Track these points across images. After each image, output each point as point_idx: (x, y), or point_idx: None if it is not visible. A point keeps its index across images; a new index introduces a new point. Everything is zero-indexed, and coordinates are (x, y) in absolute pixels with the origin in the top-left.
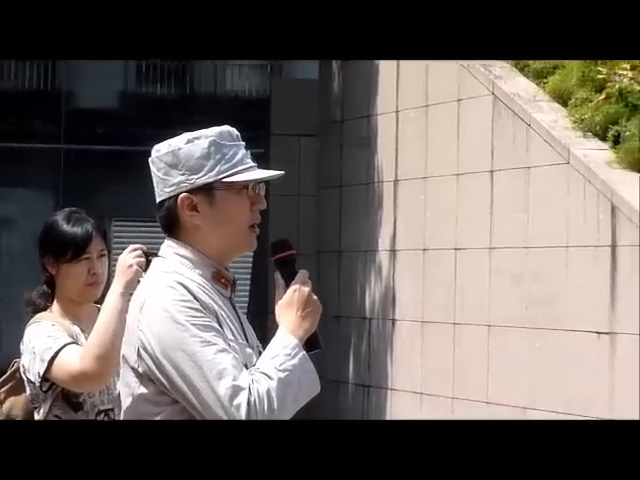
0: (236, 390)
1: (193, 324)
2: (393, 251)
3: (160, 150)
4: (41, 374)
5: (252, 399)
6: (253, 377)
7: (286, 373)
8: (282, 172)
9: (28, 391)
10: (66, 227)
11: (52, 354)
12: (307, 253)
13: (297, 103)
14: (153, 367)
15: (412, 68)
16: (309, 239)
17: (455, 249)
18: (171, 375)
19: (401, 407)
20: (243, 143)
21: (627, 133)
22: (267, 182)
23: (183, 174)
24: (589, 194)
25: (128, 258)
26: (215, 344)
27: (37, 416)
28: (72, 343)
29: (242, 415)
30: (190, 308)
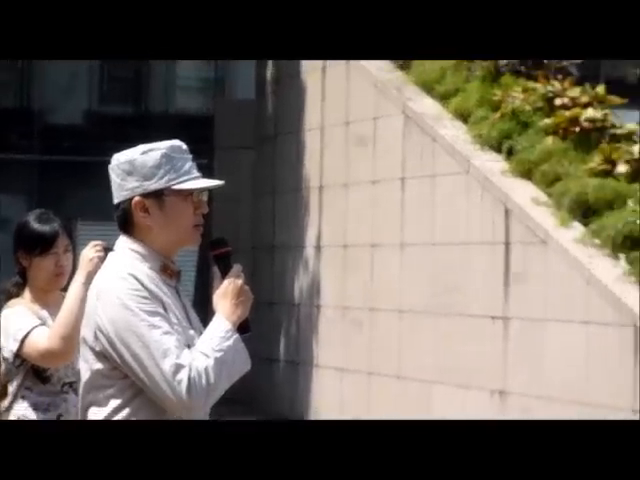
0: (178, 367)
1: (142, 310)
2: (318, 247)
3: (119, 159)
4: (14, 351)
5: (192, 375)
6: (193, 356)
7: (221, 353)
8: (222, 182)
9: (2, 367)
10: (36, 226)
11: (24, 334)
12: (245, 249)
13: (237, 121)
14: (108, 346)
15: (335, 90)
16: (247, 237)
17: (371, 245)
18: (123, 353)
19: (324, 380)
20: (190, 156)
21: (518, 147)
22: (210, 189)
23: (137, 180)
24: (486, 199)
25: (89, 252)
26: (161, 327)
27: (10, 389)
28: (41, 325)
29: (183, 389)
30: (139, 296)
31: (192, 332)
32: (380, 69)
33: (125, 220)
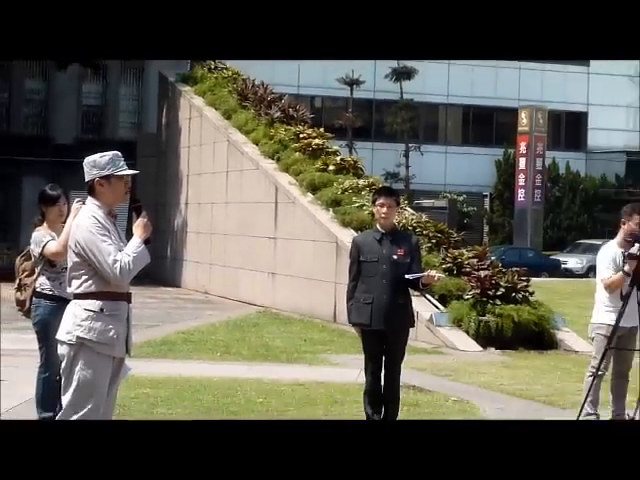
0: (115, 261)
1: (98, 233)
2: (186, 204)
3: (87, 159)
4: (39, 252)
5: (122, 265)
6: (122, 255)
7: (135, 254)
8: (138, 172)
9: (33, 259)
10: (49, 192)
11: (44, 244)
12: (151, 205)
13: (148, 143)
14: (81, 250)
15: (195, 128)
16: (152, 198)
17: (212, 203)
18: (88, 254)
19: (189, 268)
20: (123, 158)
21: (282, 157)
22: (134, 176)
23: (97, 170)
24: (267, 182)
25: (76, 205)
26: (107, 241)
27: (36, 270)
28: (52, 240)
29: (117, 271)
30: (97, 226)
31: (122, 244)
32: (217, 119)
33: (91, 190)
